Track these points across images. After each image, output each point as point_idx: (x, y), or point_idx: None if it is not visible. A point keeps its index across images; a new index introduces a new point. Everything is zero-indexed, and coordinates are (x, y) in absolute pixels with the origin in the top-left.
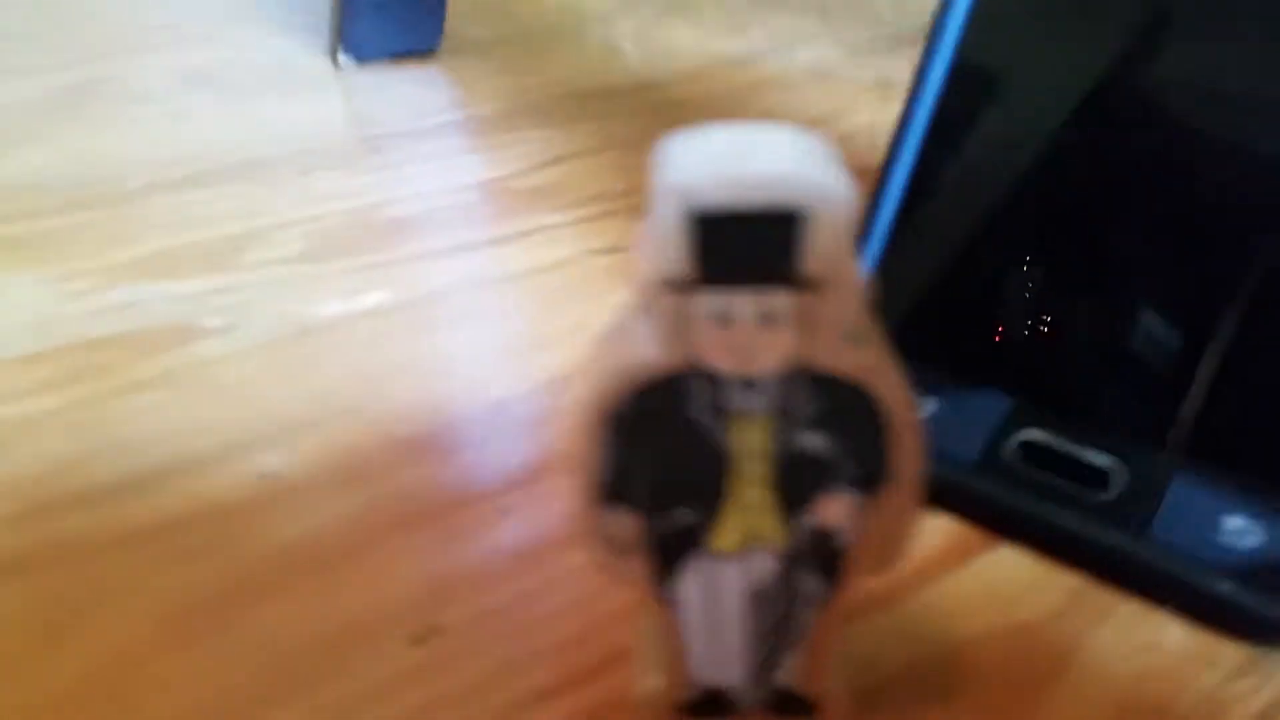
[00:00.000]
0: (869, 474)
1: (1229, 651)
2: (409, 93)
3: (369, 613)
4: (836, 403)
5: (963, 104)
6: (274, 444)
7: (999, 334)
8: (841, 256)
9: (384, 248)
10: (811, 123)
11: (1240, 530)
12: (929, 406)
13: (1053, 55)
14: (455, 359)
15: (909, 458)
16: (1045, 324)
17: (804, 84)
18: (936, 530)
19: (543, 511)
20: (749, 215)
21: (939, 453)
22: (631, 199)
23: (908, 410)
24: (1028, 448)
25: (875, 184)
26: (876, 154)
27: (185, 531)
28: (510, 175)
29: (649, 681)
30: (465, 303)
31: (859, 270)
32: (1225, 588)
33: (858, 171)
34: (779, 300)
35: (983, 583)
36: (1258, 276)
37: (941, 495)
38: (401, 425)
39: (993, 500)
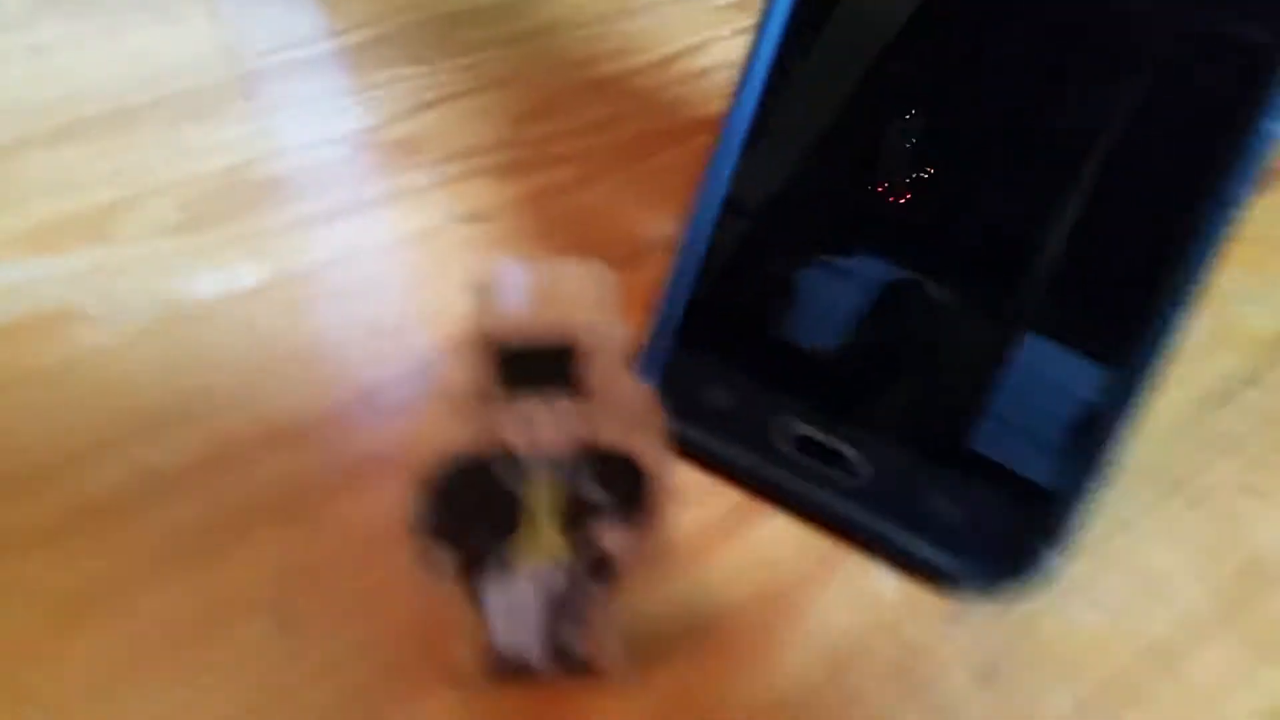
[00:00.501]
0: (632, 512)
1: (933, 603)
2: (278, 17)
3: (236, 600)
4: (610, 466)
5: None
6: (154, 439)
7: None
8: (614, 371)
9: (256, 214)
10: (667, 60)
11: (945, 508)
12: (725, 399)
13: None
14: (327, 341)
15: (661, 500)
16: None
17: (664, 5)
18: (720, 502)
19: (398, 499)
20: (543, 350)
21: (730, 438)
22: (493, 155)
23: (662, 468)
24: (798, 439)
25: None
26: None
27: (71, 533)
28: (380, 124)
29: (464, 656)
30: (336, 278)
31: (628, 378)
32: (929, 552)
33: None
34: (566, 404)
35: (749, 549)
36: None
37: (727, 474)
38: (277, 415)
39: (766, 479)
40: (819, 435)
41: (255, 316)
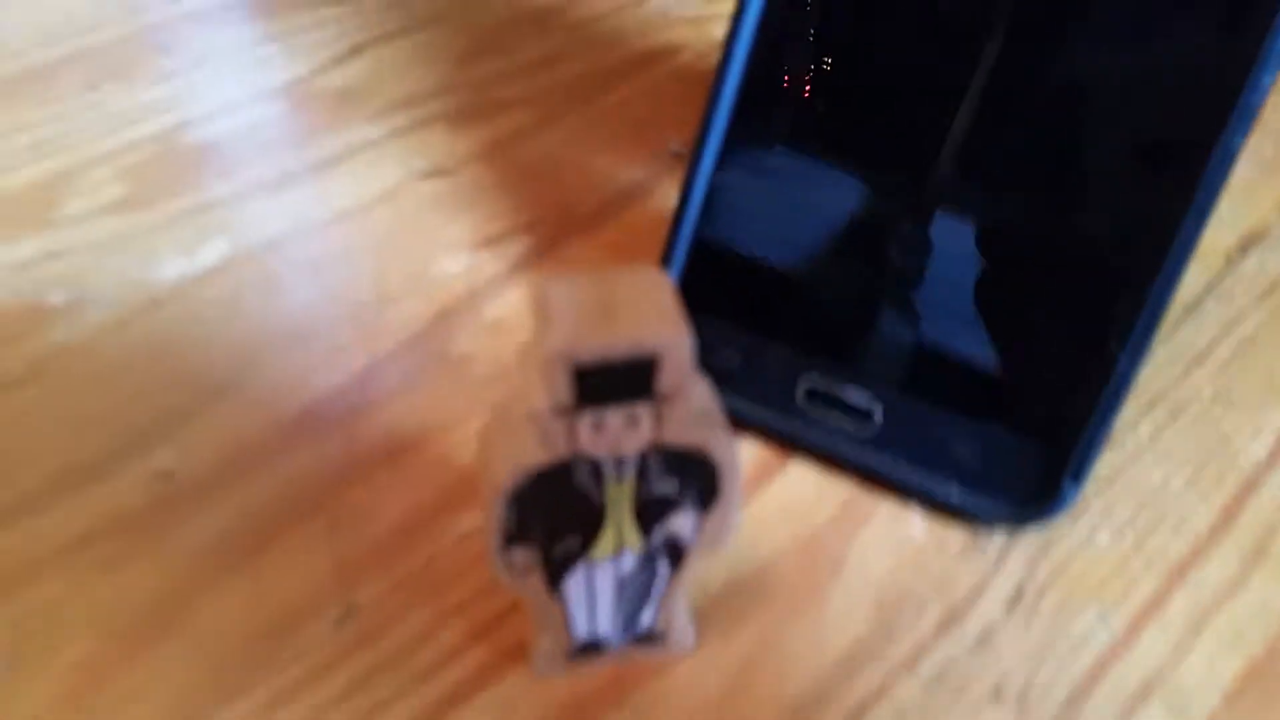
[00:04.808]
0: (705, 499)
1: (955, 536)
2: None
3: (291, 602)
4: (682, 462)
5: None
6: (159, 439)
7: None
8: (684, 375)
9: (203, 184)
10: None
11: (964, 449)
12: (734, 360)
13: None
14: (308, 320)
15: (731, 487)
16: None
17: None
18: (746, 458)
19: (426, 480)
20: (616, 364)
21: (746, 398)
22: (440, 101)
23: (731, 459)
24: (810, 393)
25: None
26: None
27: (101, 543)
28: (311, 73)
29: (542, 642)
30: (303, 250)
31: (697, 378)
32: (953, 492)
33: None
34: (639, 409)
35: (780, 501)
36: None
37: (748, 430)
38: (274, 404)
39: (786, 434)
40: (825, 387)
41: (228, 296)
